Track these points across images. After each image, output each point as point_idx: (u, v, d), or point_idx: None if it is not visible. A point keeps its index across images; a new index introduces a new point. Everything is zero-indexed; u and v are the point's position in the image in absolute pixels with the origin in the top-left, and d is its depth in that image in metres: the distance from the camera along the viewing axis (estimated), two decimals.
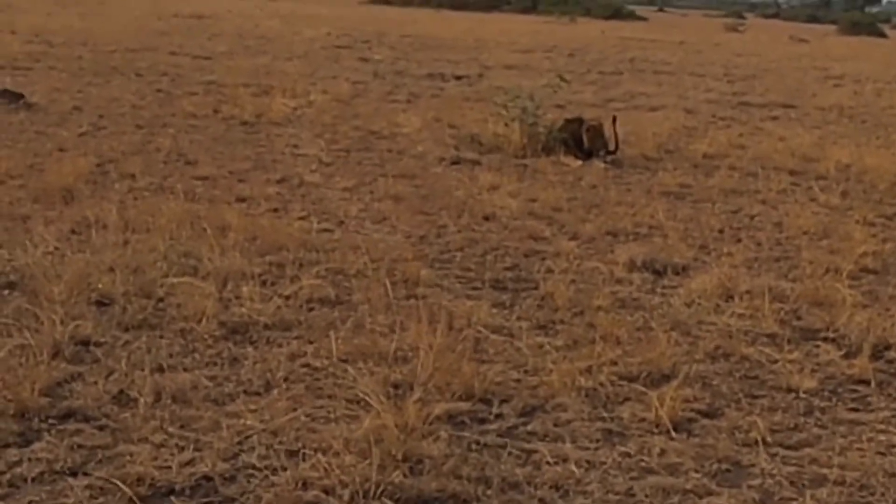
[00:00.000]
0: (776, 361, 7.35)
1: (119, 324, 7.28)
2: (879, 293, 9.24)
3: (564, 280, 8.87)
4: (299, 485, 5.28)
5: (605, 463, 5.72)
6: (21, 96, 16.95)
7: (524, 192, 12.48)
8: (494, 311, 8.06)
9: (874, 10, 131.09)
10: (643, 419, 6.28)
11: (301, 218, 10.64)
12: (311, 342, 7.17)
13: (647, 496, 5.41)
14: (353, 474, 5.31)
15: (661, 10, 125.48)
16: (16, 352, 6.58)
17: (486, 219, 11.13)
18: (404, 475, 5.40)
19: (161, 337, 7.14)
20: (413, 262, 9.19)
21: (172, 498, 5.17)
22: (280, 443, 5.68)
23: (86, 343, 6.92)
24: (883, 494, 5.56)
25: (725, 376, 7.08)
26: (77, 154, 12.88)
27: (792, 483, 5.63)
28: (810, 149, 16.85)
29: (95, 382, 6.32)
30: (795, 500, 5.47)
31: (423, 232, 10.46)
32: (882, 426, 6.44)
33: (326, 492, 5.23)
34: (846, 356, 7.51)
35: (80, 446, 5.56)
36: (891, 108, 24.70)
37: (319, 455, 5.51)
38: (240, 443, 5.66)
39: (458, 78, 25.89)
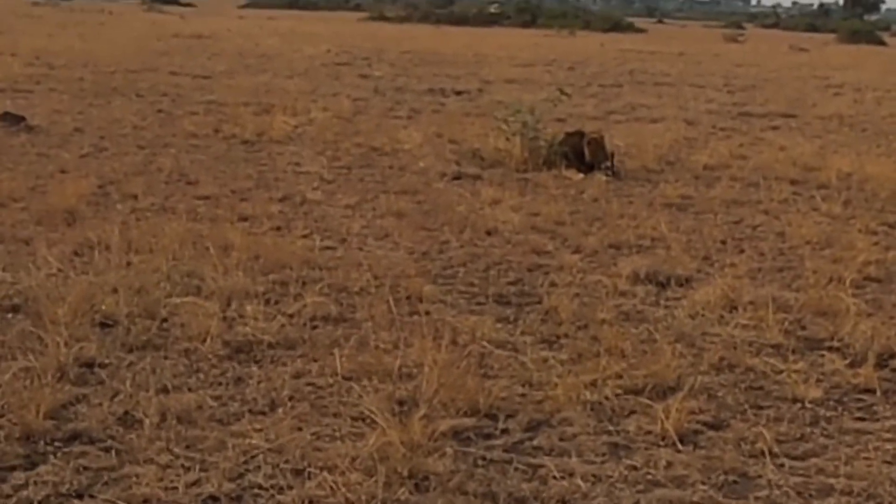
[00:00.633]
0: (781, 372, 7.35)
1: (123, 345, 7.29)
2: (883, 302, 9.23)
3: (568, 294, 8.87)
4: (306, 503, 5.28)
5: (611, 476, 5.71)
6: (22, 118, 16.98)
7: (526, 206, 12.48)
8: (498, 325, 8.06)
9: (873, 18, 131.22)
10: (649, 432, 6.28)
11: (304, 236, 10.64)
12: (315, 360, 7.18)
13: None
14: (359, 492, 5.31)
15: (660, 21, 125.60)
16: (20, 374, 6.59)
17: (489, 233, 11.13)
18: (410, 492, 5.40)
19: (165, 357, 7.14)
20: (416, 278, 9.20)
21: None
22: (286, 462, 5.68)
23: (90, 365, 6.92)
24: (890, 503, 5.55)
25: (731, 387, 7.07)
26: (79, 175, 12.89)
27: (799, 493, 5.62)
28: (811, 158, 16.84)
29: (100, 404, 6.32)
30: None
31: (426, 248, 10.46)
32: (888, 435, 6.43)
33: None
34: (851, 365, 7.51)
35: (85, 468, 5.56)
36: (891, 116, 24.69)
37: (325, 473, 5.51)
38: (245, 462, 5.66)
39: (459, 93, 25.93)
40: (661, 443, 6.16)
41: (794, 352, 7.75)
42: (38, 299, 7.93)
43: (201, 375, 6.88)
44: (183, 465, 5.59)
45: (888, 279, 10.02)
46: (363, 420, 6.20)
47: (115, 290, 8.19)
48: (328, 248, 10.28)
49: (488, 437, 6.16)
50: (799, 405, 6.83)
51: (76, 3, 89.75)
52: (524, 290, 9.15)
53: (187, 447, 5.80)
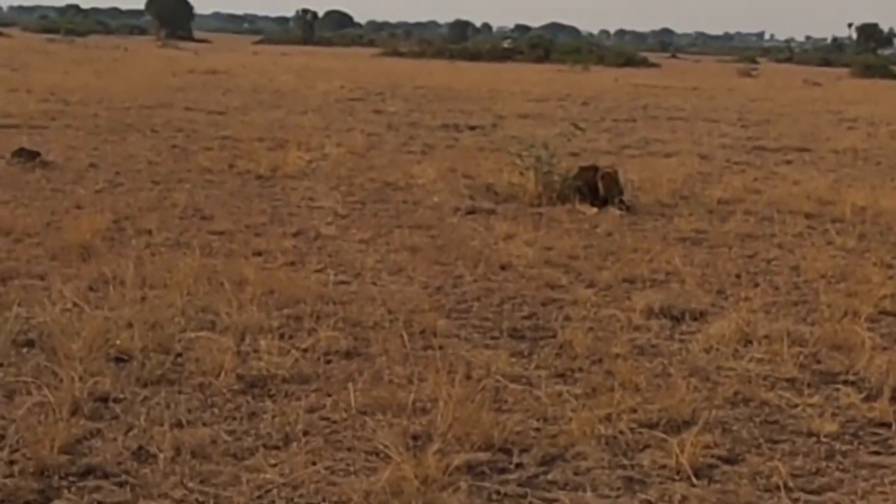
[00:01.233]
0: (796, 406, 7.33)
1: (138, 379, 7.29)
2: None
3: (582, 328, 8.86)
4: None
5: None
6: (37, 154, 17.04)
7: (540, 240, 12.48)
8: (513, 360, 8.05)
9: (887, 52, 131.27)
10: (664, 466, 6.26)
11: (318, 270, 10.65)
12: (329, 395, 7.17)
13: None
14: None
15: (673, 56, 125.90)
16: (35, 409, 6.60)
17: (503, 268, 11.13)
18: None
19: (180, 392, 7.15)
20: (430, 312, 9.19)
21: None
22: (300, 496, 5.67)
23: (105, 399, 6.93)
24: None
25: (745, 421, 7.05)
26: (94, 211, 12.92)
27: None
28: (826, 192, 16.84)
29: (115, 439, 6.33)
30: None
31: (440, 282, 10.46)
32: None
33: None
34: (867, 399, 7.48)
35: (99, 503, 5.56)
36: None
37: None
38: (260, 497, 5.66)
39: (473, 128, 25.98)
40: (676, 477, 6.14)
41: (809, 385, 7.73)
42: (53, 334, 7.95)
43: (215, 410, 6.89)
44: (197, 500, 5.59)
45: None
46: (377, 454, 6.19)
47: (129, 325, 8.20)
48: (342, 282, 10.29)
49: (503, 471, 6.15)
50: (814, 439, 6.81)
51: (91, 39, 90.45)
52: (538, 325, 9.14)
53: (202, 482, 5.80)
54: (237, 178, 16.46)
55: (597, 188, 14.98)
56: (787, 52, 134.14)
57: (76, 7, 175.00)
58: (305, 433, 6.54)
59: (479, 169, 17.71)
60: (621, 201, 14.80)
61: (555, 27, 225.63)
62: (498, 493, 5.85)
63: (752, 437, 6.77)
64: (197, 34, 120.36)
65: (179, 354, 7.81)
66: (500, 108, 31.79)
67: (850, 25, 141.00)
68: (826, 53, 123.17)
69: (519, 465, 6.23)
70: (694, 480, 6.09)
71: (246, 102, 30.38)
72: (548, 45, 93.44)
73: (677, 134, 26.74)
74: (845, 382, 7.87)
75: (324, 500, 5.62)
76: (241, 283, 9.65)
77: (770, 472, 6.22)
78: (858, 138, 26.67)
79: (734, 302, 10.07)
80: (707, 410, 7.10)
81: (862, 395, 7.55)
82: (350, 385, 7.22)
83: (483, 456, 6.27)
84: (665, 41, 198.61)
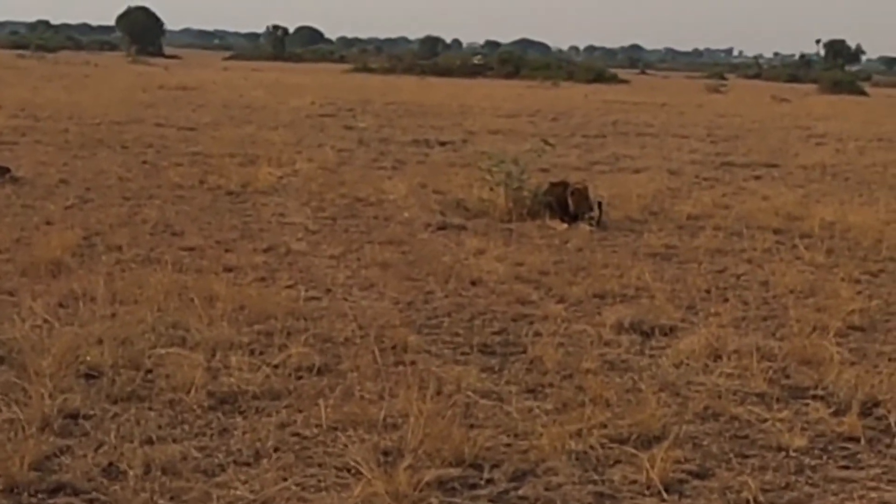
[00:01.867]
0: (766, 420, 7.36)
1: (108, 396, 7.27)
2: (867, 350, 9.26)
3: (552, 343, 8.87)
4: None
5: None
6: (7, 170, 16.97)
7: (511, 256, 12.51)
8: (483, 375, 8.06)
9: (854, 68, 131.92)
10: (634, 481, 6.28)
11: (288, 286, 10.64)
12: (300, 411, 7.17)
13: None
14: None
15: (642, 72, 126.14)
16: (4, 426, 6.58)
17: (474, 283, 11.14)
18: None
19: (150, 408, 7.13)
20: (401, 328, 9.20)
21: None
22: None
23: (74, 416, 6.91)
24: None
25: (715, 436, 7.08)
26: (64, 227, 12.88)
27: None
28: (794, 207, 16.92)
29: (85, 455, 6.31)
30: None
31: (411, 298, 10.47)
32: (873, 483, 6.45)
33: None
34: (835, 414, 7.52)
35: None
36: (873, 165, 24.83)
37: None
38: None
39: (443, 144, 26.01)
40: (647, 492, 6.16)
41: (778, 400, 7.76)
42: (22, 351, 7.92)
43: (186, 426, 6.87)
44: None
45: (871, 328, 10.05)
46: (348, 470, 6.20)
47: (99, 341, 8.19)
48: (313, 298, 10.28)
49: (473, 486, 6.15)
50: (784, 454, 6.84)
51: (61, 55, 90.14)
52: (509, 340, 9.16)
53: (172, 499, 5.79)
54: (208, 194, 16.44)
55: (567, 204, 15.01)
56: (755, 69, 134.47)
57: (46, 23, 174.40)
58: (276, 449, 6.53)
59: (450, 184, 17.74)
60: (592, 217, 14.83)
61: (525, 43, 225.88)
62: None
63: (722, 452, 6.80)
64: (167, 50, 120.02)
65: (150, 371, 7.79)
66: (471, 124, 31.83)
67: (817, 42, 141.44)
68: (794, 70, 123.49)
69: (490, 481, 6.23)
70: (664, 495, 6.11)
71: (216, 118, 30.35)
72: (518, 61, 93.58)
73: (647, 150, 26.82)
74: (814, 397, 7.91)
75: None
76: (211, 298, 9.63)
77: (740, 486, 6.24)
78: (827, 154, 26.80)
79: (704, 317, 10.11)
80: (677, 425, 7.13)
81: (831, 410, 7.59)
82: (321, 401, 7.22)
83: (454, 471, 6.28)
84: (634, 57, 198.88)
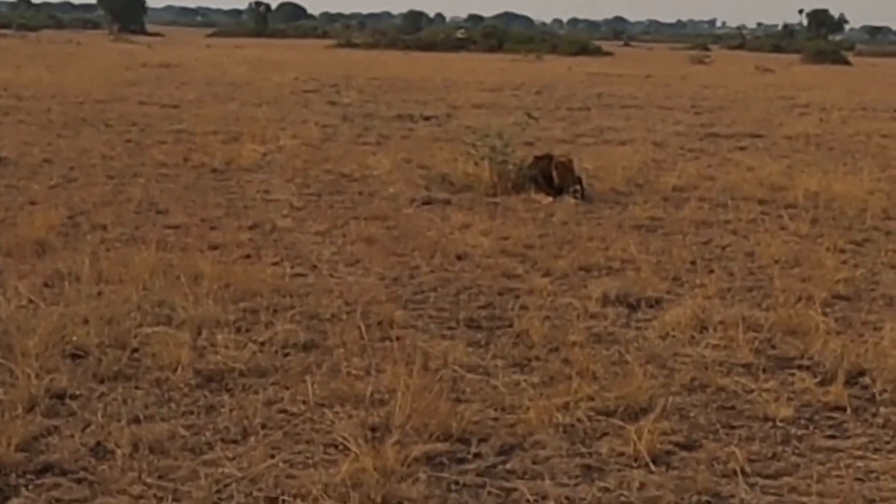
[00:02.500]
0: (752, 391, 7.37)
1: (94, 375, 7.26)
2: (852, 319, 9.28)
3: (539, 317, 8.88)
4: None
5: (584, 499, 5.72)
6: None
7: (496, 230, 12.50)
8: (470, 350, 8.06)
9: (837, 38, 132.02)
10: (622, 453, 6.29)
11: (274, 263, 10.63)
12: (287, 388, 7.17)
13: None
14: None
15: (626, 44, 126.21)
16: None
17: (459, 258, 11.14)
18: None
19: (137, 387, 7.13)
20: (387, 303, 9.20)
21: None
22: (259, 490, 5.67)
23: (61, 396, 6.90)
24: None
25: (702, 408, 7.09)
26: (48, 207, 12.84)
27: None
28: (779, 178, 16.92)
29: (72, 435, 6.30)
30: None
31: (397, 273, 10.47)
32: (859, 452, 6.46)
33: None
34: (821, 383, 7.54)
35: (57, 500, 5.55)
36: (857, 135, 24.84)
37: (299, 501, 5.51)
38: (218, 491, 5.65)
39: (427, 118, 25.96)
40: (634, 464, 6.17)
41: (764, 371, 7.78)
42: (8, 331, 7.90)
43: (173, 405, 6.87)
44: (156, 496, 5.58)
45: (857, 297, 10.07)
46: (336, 447, 6.20)
47: (85, 321, 8.17)
48: (299, 275, 10.27)
49: (461, 461, 6.16)
50: (770, 424, 6.85)
51: (44, 34, 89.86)
52: (495, 314, 9.16)
53: (160, 477, 5.79)
54: (192, 172, 16.40)
55: (551, 177, 15.00)
56: (739, 39, 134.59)
57: (28, 2, 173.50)
58: (263, 426, 6.53)
59: (435, 159, 17.71)
60: (577, 189, 14.82)
61: (508, 17, 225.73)
62: (457, 483, 5.87)
63: (709, 423, 6.81)
64: (150, 28, 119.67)
65: (136, 350, 7.78)
66: (455, 99, 31.79)
67: (800, 12, 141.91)
68: (777, 40, 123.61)
69: (477, 455, 6.24)
70: (652, 467, 6.12)
71: (200, 95, 30.28)
72: (501, 34, 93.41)
73: (631, 122, 26.81)
74: (800, 367, 7.92)
75: (283, 494, 5.62)
76: (197, 276, 9.62)
77: (727, 457, 6.26)
78: (810, 124, 26.79)
79: (690, 288, 10.12)
80: (664, 397, 7.14)
81: (817, 380, 7.61)
82: (308, 377, 7.22)
83: (441, 446, 6.29)
84: (618, 29, 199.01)
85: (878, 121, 28.79)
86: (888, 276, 10.93)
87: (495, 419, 6.75)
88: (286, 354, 7.85)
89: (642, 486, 5.89)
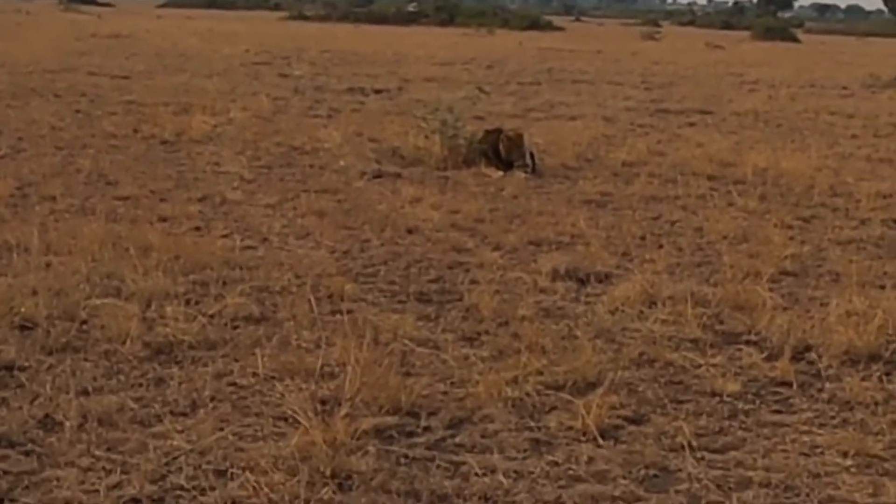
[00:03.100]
0: (700, 366, 7.42)
1: (43, 347, 7.23)
2: (799, 295, 9.35)
3: (489, 291, 8.90)
4: None
5: (533, 472, 5.75)
6: None
7: (446, 204, 12.51)
8: (420, 323, 8.08)
9: (787, 15, 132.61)
10: (570, 427, 6.33)
11: (224, 236, 10.61)
12: (236, 360, 7.16)
13: None
14: (282, 492, 5.31)
15: (577, 19, 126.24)
16: None
17: (410, 232, 11.15)
18: (333, 492, 5.41)
19: (85, 359, 7.10)
20: (337, 277, 9.20)
21: None
22: (208, 463, 5.67)
23: (9, 368, 6.87)
24: (808, 495, 5.63)
25: (650, 382, 7.14)
26: None
27: (718, 486, 5.69)
28: (728, 154, 17.00)
29: (20, 407, 6.28)
30: (722, 503, 5.53)
31: (347, 246, 10.46)
32: (805, 427, 6.52)
33: None
34: (768, 359, 7.60)
35: (5, 472, 5.52)
36: (805, 112, 24.97)
37: (248, 474, 5.50)
38: (167, 464, 5.64)
39: (378, 92, 25.92)
40: (583, 438, 6.20)
41: (712, 346, 7.83)
42: None
43: (122, 377, 6.85)
44: (104, 468, 5.57)
45: (803, 273, 10.15)
46: (285, 420, 6.20)
47: (34, 293, 8.13)
48: (249, 247, 10.26)
49: (410, 434, 6.18)
50: (717, 399, 6.90)
51: None
52: (445, 288, 9.18)
53: (108, 449, 5.78)
54: (142, 143, 16.32)
55: (508, 152, 15.01)
56: (689, 16, 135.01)
57: None
58: (213, 399, 6.53)
59: (385, 133, 17.69)
60: (528, 164, 14.85)
61: None
62: (406, 456, 5.88)
63: (657, 398, 6.85)
64: None
65: (85, 322, 7.75)
66: (406, 72, 31.74)
67: None
68: (728, 17, 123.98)
69: (427, 429, 6.26)
70: (600, 441, 6.15)
71: (150, 67, 30.10)
72: (452, 8, 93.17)
73: (582, 97, 26.86)
74: (747, 342, 7.98)
75: (232, 466, 5.61)
76: (146, 249, 9.58)
77: (675, 431, 6.30)
78: (759, 101, 26.93)
79: (639, 264, 10.16)
80: (612, 372, 7.18)
81: (763, 355, 7.66)
82: (258, 350, 7.22)
83: (391, 420, 6.30)
84: (569, 4, 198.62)
85: (826, 98, 28.96)
86: (835, 252, 11.01)
87: (445, 393, 6.77)
88: (236, 327, 7.84)
89: (590, 459, 5.92)
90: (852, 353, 7.70)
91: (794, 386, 7.17)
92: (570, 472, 5.78)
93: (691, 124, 22.00)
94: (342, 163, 15.20)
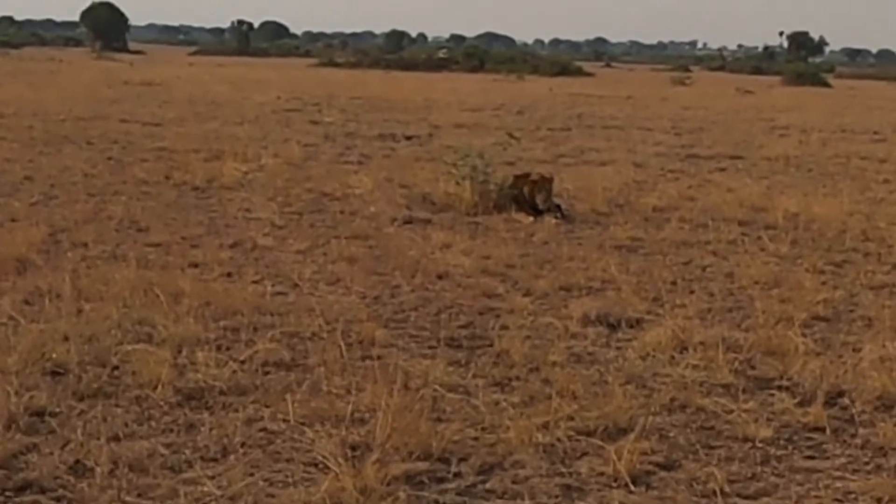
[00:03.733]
0: (732, 411, 7.39)
1: (74, 393, 7.25)
2: (831, 340, 9.30)
3: (519, 336, 8.89)
4: None
5: None
6: None
7: (477, 249, 12.51)
8: (450, 369, 8.07)
9: (817, 60, 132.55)
10: (601, 473, 6.30)
11: (255, 282, 10.63)
12: (267, 406, 7.16)
13: None
14: None
15: (607, 65, 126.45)
16: None
17: (440, 277, 11.15)
18: None
19: (116, 405, 7.12)
20: (368, 322, 9.20)
21: None
22: None
23: (41, 414, 6.88)
24: None
25: (682, 428, 7.11)
26: (29, 224, 12.82)
27: None
28: (759, 199, 16.98)
29: (51, 453, 6.29)
30: None
31: (377, 292, 10.47)
32: (838, 473, 6.48)
33: None
34: (801, 404, 7.56)
35: None
36: (836, 157, 24.93)
37: None
38: None
39: (409, 138, 26.00)
40: (614, 484, 6.18)
41: (744, 391, 7.79)
42: None
43: (153, 423, 6.86)
44: None
45: (836, 318, 10.10)
46: (316, 465, 6.20)
47: (65, 339, 8.16)
48: (279, 293, 10.27)
49: (441, 480, 6.16)
50: (749, 444, 6.87)
51: (26, 51, 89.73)
52: (476, 334, 9.17)
53: (139, 495, 5.78)
54: (173, 190, 16.40)
55: (533, 196, 15.01)
56: (719, 61, 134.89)
57: (10, 19, 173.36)
58: (243, 445, 6.53)
59: (416, 179, 17.73)
60: (558, 208, 14.85)
61: (489, 37, 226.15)
62: (437, 502, 5.88)
63: (689, 444, 6.83)
64: (132, 45, 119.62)
65: (116, 367, 7.77)
66: (436, 118, 31.82)
67: (781, 34, 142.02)
68: (758, 62, 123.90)
69: (457, 475, 6.25)
70: (632, 487, 6.13)
71: (182, 114, 30.25)
72: (482, 54, 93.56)
73: (612, 142, 26.87)
74: (779, 388, 7.95)
75: None
76: (177, 295, 9.61)
77: (707, 477, 6.27)
78: (790, 145, 26.89)
79: (670, 309, 10.13)
80: (644, 417, 7.15)
81: (796, 401, 7.63)
82: (288, 396, 7.22)
83: (422, 465, 6.29)
84: (599, 50, 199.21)
85: (857, 143, 28.91)
86: (867, 297, 10.96)
87: (475, 438, 6.76)
88: (266, 373, 7.85)
89: None
90: (886, 399, 7.67)
91: (827, 431, 7.13)
92: None
93: (722, 169, 21.97)
94: (373, 209, 15.23)
